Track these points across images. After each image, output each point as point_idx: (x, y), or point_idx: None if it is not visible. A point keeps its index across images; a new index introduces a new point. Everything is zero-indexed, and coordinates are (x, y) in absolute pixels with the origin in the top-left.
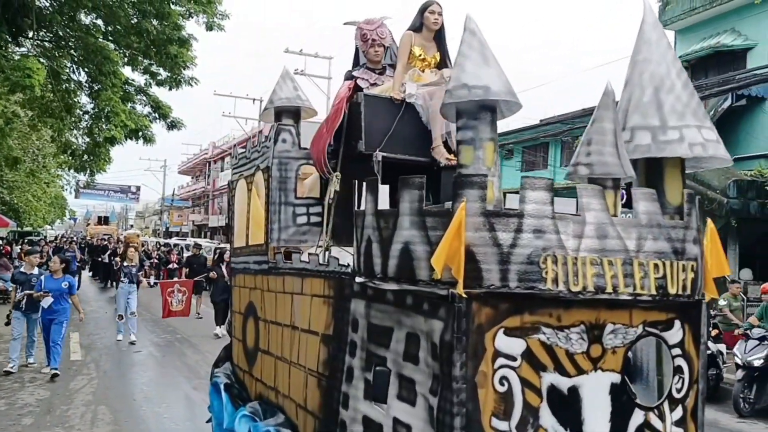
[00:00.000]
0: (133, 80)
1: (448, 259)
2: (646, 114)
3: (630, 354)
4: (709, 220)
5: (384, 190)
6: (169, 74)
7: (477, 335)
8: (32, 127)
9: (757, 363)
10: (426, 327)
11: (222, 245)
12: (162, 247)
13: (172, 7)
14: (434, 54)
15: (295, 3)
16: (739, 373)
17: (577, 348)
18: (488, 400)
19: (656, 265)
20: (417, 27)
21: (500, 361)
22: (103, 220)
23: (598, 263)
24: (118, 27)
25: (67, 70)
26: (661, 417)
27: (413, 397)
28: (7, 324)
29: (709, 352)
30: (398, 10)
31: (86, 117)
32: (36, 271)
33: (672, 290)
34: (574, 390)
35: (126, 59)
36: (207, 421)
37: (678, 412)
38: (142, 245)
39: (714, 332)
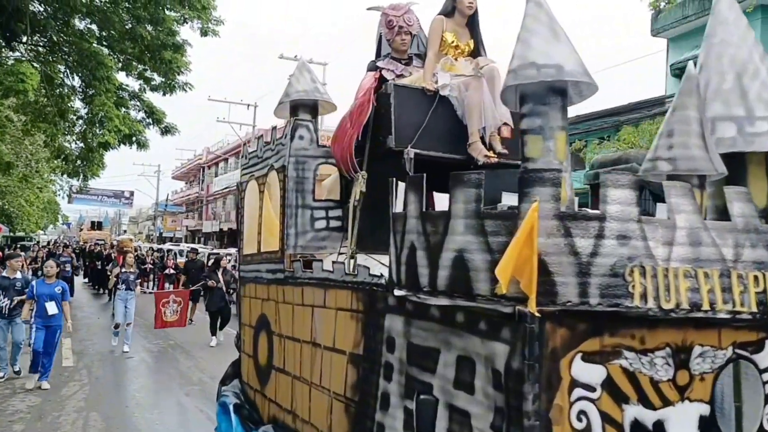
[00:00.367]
0: (127, 85)
1: (516, 270)
2: (728, 103)
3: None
4: None
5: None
6: (163, 79)
7: (551, 362)
8: (25, 132)
9: None
10: (484, 350)
11: (215, 250)
12: (155, 253)
13: (167, 12)
14: (468, 41)
15: (291, 9)
16: None
17: (662, 375)
18: None
19: (756, 278)
20: (449, 11)
21: (577, 392)
22: (97, 225)
23: (692, 275)
24: (113, 32)
25: (61, 75)
26: None
27: None
28: None
29: None
30: None
31: (80, 122)
32: (19, 275)
33: None
34: (659, 425)
35: (120, 64)
36: None
37: None
38: (136, 250)
39: None
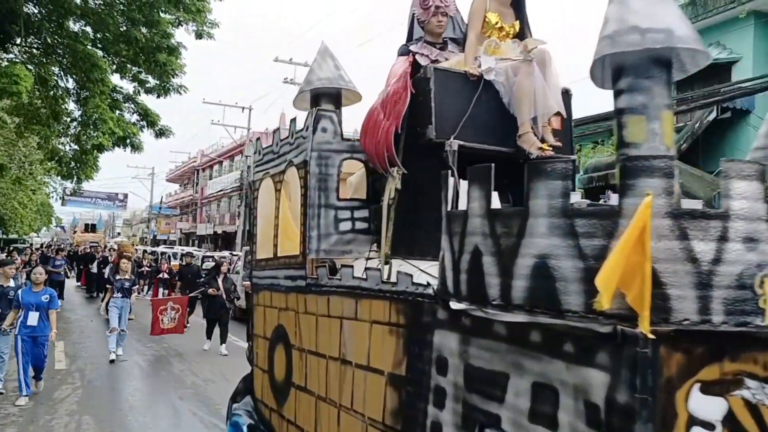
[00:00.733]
0: (121, 88)
1: (622, 282)
2: None
3: None
4: None
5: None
6: (157, 82)
7: (666, 394)
8: (19, 134)
9: None
10: (572, 377)
11: (209, 253)
12: (149, 256)
13: (162, 15)
14: (512, 22)
15: (286, 12)
16: None
17: None
18: None
19: None
20: None
21: (696, 431)
22: (90, 228)
23: None
24: (107, 34)
25: (55, 77)
26: None
27: None
28: None
29: None
30: None
31: (74, 124)
32: (12, 283)
33: None
34: None
35: (114, 67)
36: None
37: None
38: (143, 256)
39: None
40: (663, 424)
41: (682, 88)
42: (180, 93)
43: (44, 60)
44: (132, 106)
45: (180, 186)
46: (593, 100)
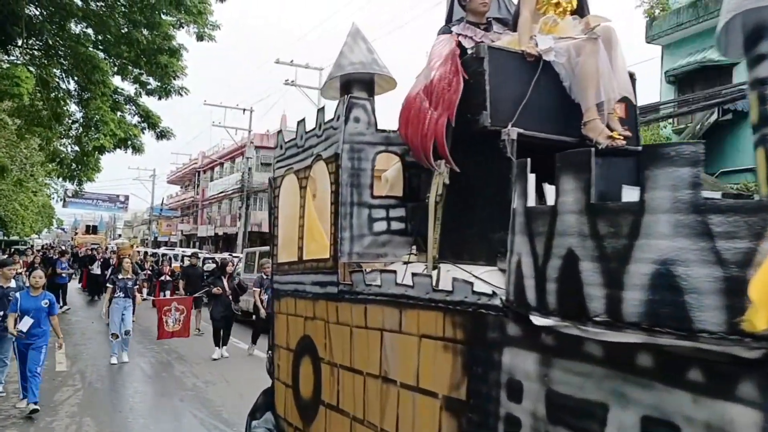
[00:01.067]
0: (122, 89)
1: None
2: None
3: None
4: None
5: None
6: (158, 84)
7: None
8: (20, 135)
9: None
10: (702, 413)
11: (211, 256)
12: (150, 257)
13: (163, 17)
14: None
15: (287, 14)
16: None
17: None
18: None
19: None
20: None
21: None
22: (92, 230)
23: None
24: (108, 36)
25: (57, 79)
26: None
27: None
28: None
29: None
30: None
31: (75, 125)
32: (13, 284)
33: None
34: None
35: (116, 68)
36: None
37: None
38: (145, 256)
39: None
40: None
41: (684, 90)
42: (181, 95)
43: (45, 62)
44: (133, 107)
45: (181, 187)
46: None
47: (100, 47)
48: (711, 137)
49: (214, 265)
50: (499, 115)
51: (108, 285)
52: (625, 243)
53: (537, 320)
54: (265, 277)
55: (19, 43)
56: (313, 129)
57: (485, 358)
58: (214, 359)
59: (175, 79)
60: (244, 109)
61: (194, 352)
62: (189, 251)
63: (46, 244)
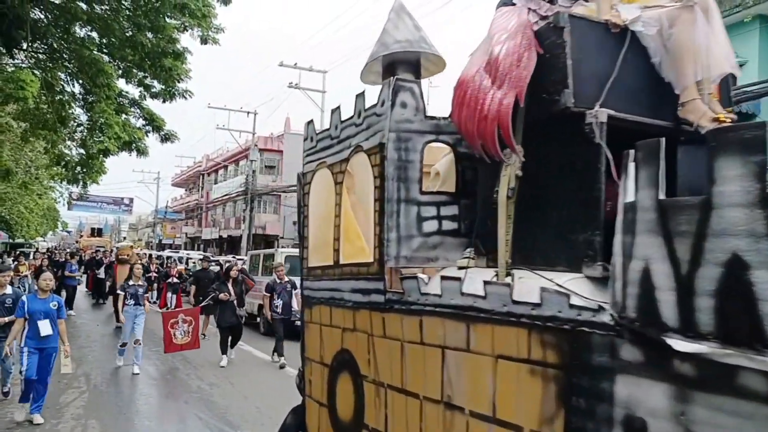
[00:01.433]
0: (127, 92)
1: None
2: None
3: None
4: None
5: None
6: (163, 87)
7: None
8: (24, 138)
9: None
10: None
11: (216, 258)
12: (155, 260)
13: (167, 20)
14: None
15: (290, 18)
16: None
17: None
18: None
19: None
20: None
21: None
22: (97, 232)
23: None
24: (113, 40)
25: (62, 82)
26: None
27: None
28: None
29: None
30: None
31: (80, 129)
32: (9, 290)
33: None
34: None
35: (120, 72)
36: None
37: None
38: (140, 258)
39: None
40: None
41: None
42: (185, 98)
43: (50, 65)
44: (137, 110)
45: (185, 190)
46: None
47: (105, 50)
48: None
49: (218, 268)
50: (583, 95)
51: (119, 293)
52: None
53: (679, 345)
54: (277, 281)
55: (24, 46)
56: (351, 117)
57: (590, 387)
58: (222, 366)
59: (179, 82)
60: (248, 112)
61: (199, 355)
62: (194, 254)
63: (51, 246)
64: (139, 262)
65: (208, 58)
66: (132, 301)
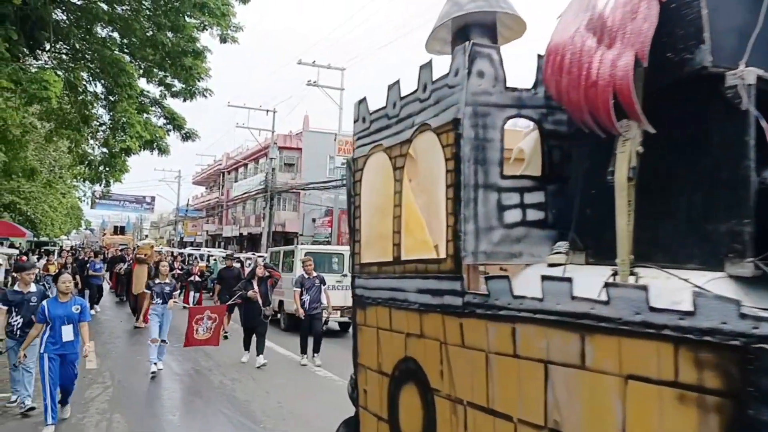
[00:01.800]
0: (148, 92)
1: None
2: None
3: None
4: None
5: None
6: (183, 86)
7: None
8: (48, 138)
9: None
10: None
11: (237, 255)
12: (178, 257)
13: (187, 19)
14: None
15: (306, 17)
16: None
17: None
18: None
19: None
20: None
21: None
22: (120, 230)
23: None
24: (134, 39)
25: (84, 82)
26: None
27: None
28: None
29: None
30: None
31: (102, 128)
32: (33, 288)
33: None
34: None
35: (141, 71)
36: None
37: None
38: (163, 256)
39: None
40: None
41: None
42: (205, 96)
43: (73, 65)
44: (158, 109)
45: (206, 188)
46: None
47: (126, 50)
48: None
49: (238, 265)
50: (722, 51)
51: (145, 290)
52: None
53: None
54: (306, 276)
55: (47, 47)
56: (414, 92)
57: None
58: (243, 362)
59: (199, 81)
60: (267, 110)
61: (220, 351)
62: (216, 251)
63: (75, 244)
64: (163, 259)
65: (226, 57)
66: (159, 300)
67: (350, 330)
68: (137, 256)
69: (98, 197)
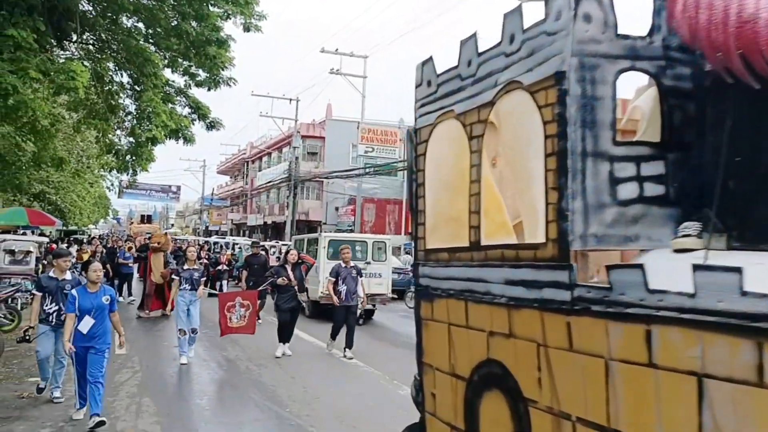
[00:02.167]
0: (173, 81)
1: None
2: None
3: None
4: None
5: None
6: (207, 75)
7: None
8: (76, 129)
9: None
10: None
11: (262, 243)
12: (204, 245)
13: (211, 8)
14: None
15: (331, 4)
16: None
17: None
18: None
19: None
20: None
21: None
22: (146, 219)
23: None
24: (159, 29)
25: (110, 73)
26: None
27: None
28: (25, 340)
29: None
30: None
31: (129, 118)
32: (69, 276)
33: None
34: None
35: (166, 61)
36: None
37: None
38: (190, 244)
39: None
40: None
41: None
42: (229, 85)
43: (99, 56)
44: (183, 99)
45: (230, 177)
46: None
47: (151, 40)
48: None
49: (264, 252)
50: None
51: (173, 277)
52: None
53: None
54: (342, 265)
55: (74, 38)
56: (497, 45)
57: None
58: (277, 357)
59: (223, 70)
60: (291, 99)
61: (247, 337)
62: (241, 240)
63: (103, 233)
64: (192, 245)
65: (250, 46)
66: (187, 286)
67: (373, 318)
68: (151, 245)
69: (125, 186)
